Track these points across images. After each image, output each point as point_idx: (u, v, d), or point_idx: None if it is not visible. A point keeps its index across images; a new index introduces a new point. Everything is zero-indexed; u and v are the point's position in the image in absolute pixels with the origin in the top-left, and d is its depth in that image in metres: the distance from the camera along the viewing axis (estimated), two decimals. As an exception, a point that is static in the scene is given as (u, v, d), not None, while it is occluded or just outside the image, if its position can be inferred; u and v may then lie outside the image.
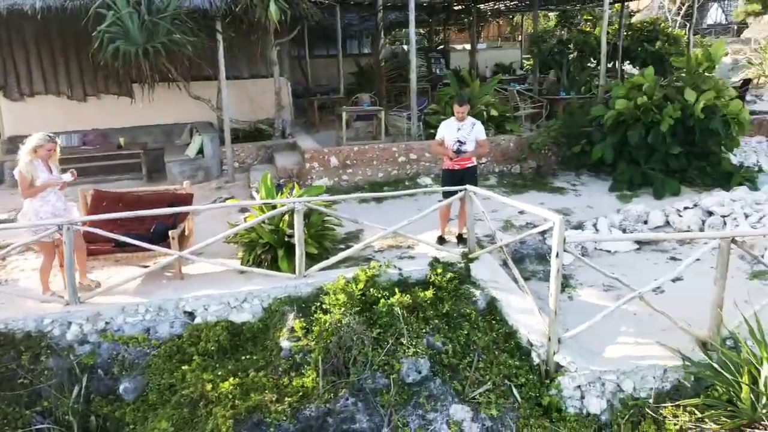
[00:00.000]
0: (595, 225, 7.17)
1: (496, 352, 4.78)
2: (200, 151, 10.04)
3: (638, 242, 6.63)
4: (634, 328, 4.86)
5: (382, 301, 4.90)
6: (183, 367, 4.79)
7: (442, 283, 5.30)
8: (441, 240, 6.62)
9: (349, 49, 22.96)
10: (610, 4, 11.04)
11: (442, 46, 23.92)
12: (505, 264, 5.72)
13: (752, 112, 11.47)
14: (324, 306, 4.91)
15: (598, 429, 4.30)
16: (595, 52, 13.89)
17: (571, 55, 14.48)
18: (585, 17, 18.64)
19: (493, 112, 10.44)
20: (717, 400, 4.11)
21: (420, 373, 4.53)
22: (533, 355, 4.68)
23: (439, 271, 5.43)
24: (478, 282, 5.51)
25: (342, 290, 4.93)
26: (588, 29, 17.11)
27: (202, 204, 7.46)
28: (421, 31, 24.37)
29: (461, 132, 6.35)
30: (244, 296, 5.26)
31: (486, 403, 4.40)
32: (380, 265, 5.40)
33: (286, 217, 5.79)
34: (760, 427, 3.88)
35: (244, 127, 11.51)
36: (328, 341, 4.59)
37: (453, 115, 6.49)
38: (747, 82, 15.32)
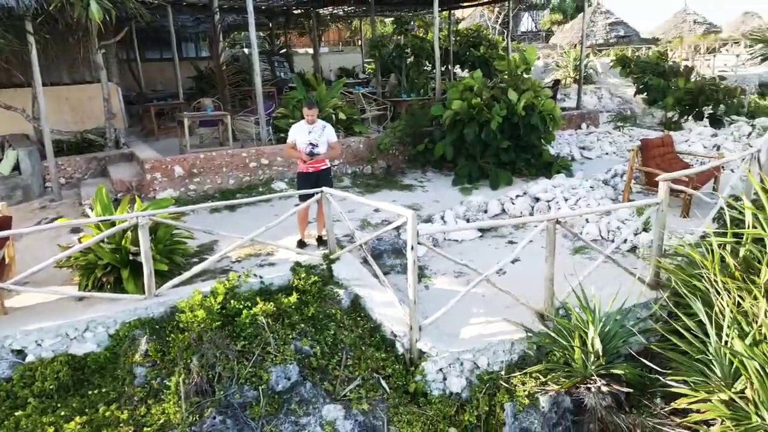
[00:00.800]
0: (442, 217, 7.67)
1: (363, 348, 4.90)
2: (16, 168, 8.81)
3: (481, 230, 7.24)
4: (484, 308, 5.30)
5: (245, 312, 4.75)
6: (16, 414, 4.17)
7: (306, 287, 5.28)
8: (301, 244, 6.60)
9: (186, 52, 21.79)
10: (439, 11, 11.83)
11: (284, 50, 23.76)
12: (365, 261, 5.88)
13: (563, 109, 13.15)
14: (181, 325, 4.62)
15: (460, 406, 4.61)
16: (430, 57, 14.86)
17: (409, 59, 15.30)
18: (418, 24, 19.79)
19: (342, 115, 10.64)
20: (556, 363, 4.65)
21: (289, 379, 4.47)
22: (398, 345, 4.88)
23: (302, 275, 5.41)
24: (341, 281, 5.59)
25: (200, 306, 4.68)
26: (422, 35, 18.20)
27: (23, 227, 6.55)
28: (261, 34, 23.95)
29: (312, 135, 6.39)
30: (85, 325, 4.74)
31: (357, 399, 4.49)
32: (239, 276, 5.22)
33: (129, 233, 5.33)
34: (591, 381, 4.47)
35: (69, 138, 10.35)
36: (189, 361, 4.33)
37: (302, 118, 6.50)
38: (557, 82, 17.50)
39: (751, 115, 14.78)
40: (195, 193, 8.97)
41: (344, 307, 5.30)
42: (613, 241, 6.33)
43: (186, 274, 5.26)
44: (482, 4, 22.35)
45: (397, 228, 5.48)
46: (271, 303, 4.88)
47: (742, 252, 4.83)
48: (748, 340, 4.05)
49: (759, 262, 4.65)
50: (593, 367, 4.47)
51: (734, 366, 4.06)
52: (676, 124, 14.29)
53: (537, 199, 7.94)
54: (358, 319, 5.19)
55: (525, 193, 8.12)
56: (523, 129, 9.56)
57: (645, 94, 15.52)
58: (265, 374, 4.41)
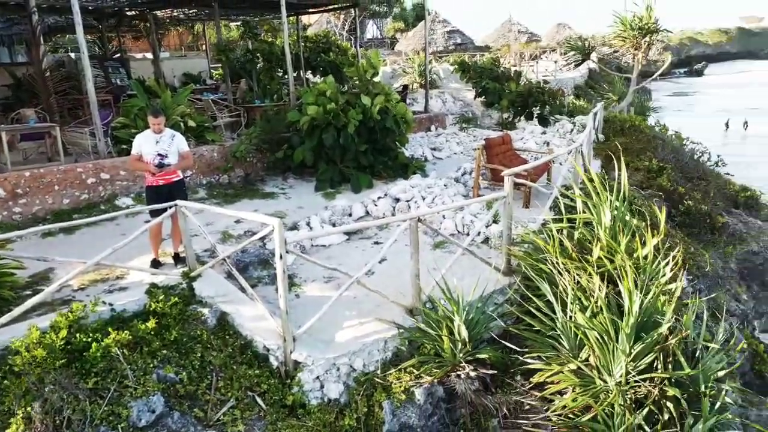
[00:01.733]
0: (308, 223, 7.60)
1: (235, 367, 4.66)
2: None
3: (347, 233, 7.31)
4: (356, 310, 5.34)
5: (94, 345, 4.25)
6: None
7: (165, 310, 4.88)
8: (156, 263, 6.09)
9: (-3, 56, 19.04)
10: (286, 16, 11.71)
11: (119, 55, 21.83)
12: (230, 276, 5.60)
13: (413, 113, 13.79)
14: (15, 368, 3.99)
15: (339, 411, 4.59)
16: (281, 62, 14.66)
17: (260, 65, 14.95)
18: (265, 28, 19.44)
19: (191, 123, 10.05)
20: (427, 356, 4.84)
21: (154, 412, 4.09)
22: (272, 359, 4.72)
23: (160, 297, 4.99)
24: (204, 300, 5.26)
25: (38, 344, 4.08)
26: (270, 40, 17.89)
27: None
28: (90, 37, 21.78)
29: (161, 144, 5.93)
30: None
31: (231, 422, 4.26)
32: (85, 305, 4.66)
33: (-62, 269, 4.49)
34: (460, 368, 4.73)
35: None
36: (28, 409, 3.76)
37: (147, 127, 6.00)
38: (405, 87, 18.31)
39: (571, 114, 16.82)
40: (21, 217, 7.86)
41: (210, 326, 5.00)
42: (468, 234, 6.76)
43: (17, 310, 4.55)
44: (328, 11, 22.64)
45: (262, 238, 5.30)
46: (126, 331, 4.43)
47: (576, 235, 5.45)
48: (588, 313, 4.58)
49: (590, 242, 5.29)
50: (461, 355, 4.73)
51: (579, 338, 4.55)
52: (511, 124, 15.74)
53: (397, 200, 8.22)
54: (227, 337, 4.92)
55: (386, 195, 8.36)
56: (380, 132, 9.84)
57: (483, 97, 16.87)
58: (124, 410, 3.98)
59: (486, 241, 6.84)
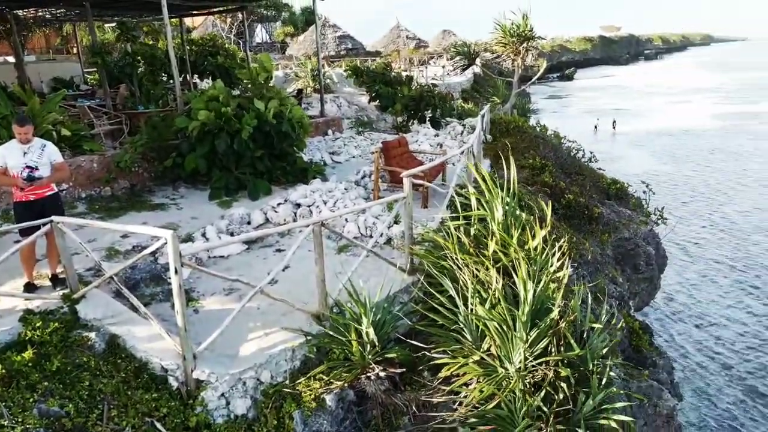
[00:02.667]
0: (204, 234, 7.25)
1: (129, 393, 4.31)
2: None
3: (247, 242, 7.06)
4: (261, 321, 5.17)
5: (-41, 384, 3.74)
6: None
7: (44, 337, 4.41)
8: (30, 287, 5.48)
9: None
10: (168, 18, 11.12)
11: (-27, 57, 19.50)
12: (119, 295, 5.18)
13: (310, 117, 13.68)
14: None
15: (248, 427, 4.42)
16: (165, 66, 13.90)
17: (141, 69, 14.06)
18: (145, 30, 18.33)
19: (65, 132, 9.20)
20: (337, 360, 4.80)
21: (37, 453, 3.68)
22: (171, 380, 4.44)
23: (37, 324, 4.50)
24: (90, 323, 4.82)
25: None
26: (151, 42, 16.89)
27: None
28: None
29: (29, 156, 5.36)
30: None
31: (130, 452, 3.94)
32: (-56, 340, 4.09)
33: None
34: (370, 370, 4.74)
35: None
36: None
37: (12, 137, 5.40)
38: (300, 92, 18.14)
39: (460, 116, 17.60)
40: None
41: (99, 351, 4.59)
42: (371, 236, 6.82)
43: None
44: (213, 13, 21.83)
45: (154, 252, 4.97)
46: (-2, 365, 3.95)
47: (472, 231, 5.69)
48: (487, 305, 4.79)
49: (486, 237, 5.55)
50: (370, 356, 4.75)
51: (480, 329, 4.75)
52: (406, 127, 16.15)
53: (298, 205, 8.09)
54: (119, 361, 4.55)
55: (286, 201, 8.20)
56: (276, 137, 9.63)
57: (378, 101, 17.15)
58: (0, 456, 3.54)
59: (389, 241, 6.94)
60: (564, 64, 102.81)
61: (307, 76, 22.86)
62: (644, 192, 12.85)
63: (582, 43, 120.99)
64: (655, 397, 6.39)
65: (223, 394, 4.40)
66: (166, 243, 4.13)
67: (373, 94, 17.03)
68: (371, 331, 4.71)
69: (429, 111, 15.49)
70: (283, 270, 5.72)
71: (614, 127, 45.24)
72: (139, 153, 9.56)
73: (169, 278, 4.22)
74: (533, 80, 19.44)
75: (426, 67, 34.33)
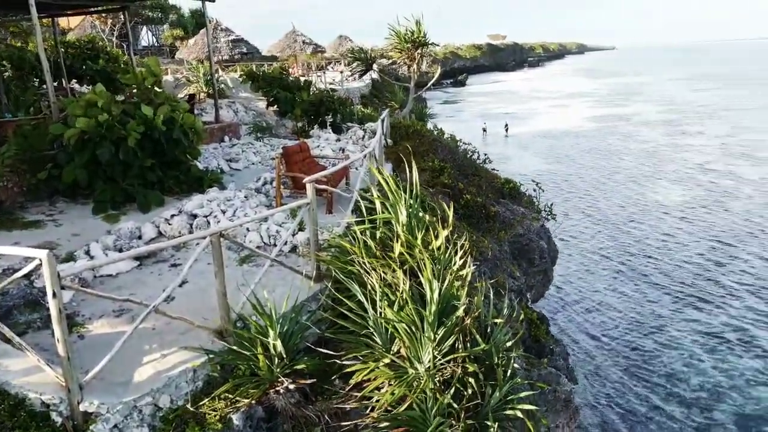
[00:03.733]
0: (88, 252, 6.64)
1: (3, 436, 3.81)
2: None
3: (138, 258, 6.55)
4: (158, 342, 4.81)
5: None
6: None
7: None
8: None
9: None
10: (37, 17, 10.09)
11: None
12: (-15, 326, 4.57)
13: (204, 123, 13.08)
14: None
15: (147, 458, 4.08)
16: (37, 70, 12.65)
17: (8, 73, 12.69)
18: (11, 30, 16.61)
19: None
20: (243, 377, 4.57)
21: None
22: (54, 415, 3.98)
23: None
24: (-50, 361, 4.21)
25: None
26: (20, 44, 15.32)
27: None
28: None
29: None
30: None
31: (6, 504, 3.47)
32: None
33: None
34: (278, 384, 4.57)
35: None
36: None
37: None
38: (192, 97, 17.31)
39: (361, 121, 17.71)
40: None
41: (-37, 392, 4.02)
42: (275, 245, 6.61)
43: None
44: (90, 13, 20.27)
45: (28, 275, 4.44)
46: None
47: (378, 234, 5.69)
48: (395, 307, 4.81)
49: (391, 240, 5.57)
50: (279, 370, 4.57)
51: (390, 332, 4.76)
52: (306, 132, 15.95)
53: (194, 216, 7.66)
54: (-11, 401, 4.01)
55: (180, 212, 7.73)
56: (167, 145, 9.07)
57: (276, 106, 16.81)
58: None
59: (294, 249, 6.76)
60: (456, 71, 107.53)
61: (200, 81, 21.91)
62: (534, 190, 13.68)
63: (472, 50, 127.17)
64: (554, 383, 6.76)
65: (116, 426, 4.02)
66: (41, 264, 3.70)
67: (271, 99, 16.67)
68: (278, 343, 4.54)
69: (329, 116, 15.44)
70: (180, 286, 5.38)
71: (506, 130, 47.98)
72: (8, 166, 8.58)
73: (48, 303, 3.78)
74: (429, 86, 20.05)
75: (324, 73, 34.27)
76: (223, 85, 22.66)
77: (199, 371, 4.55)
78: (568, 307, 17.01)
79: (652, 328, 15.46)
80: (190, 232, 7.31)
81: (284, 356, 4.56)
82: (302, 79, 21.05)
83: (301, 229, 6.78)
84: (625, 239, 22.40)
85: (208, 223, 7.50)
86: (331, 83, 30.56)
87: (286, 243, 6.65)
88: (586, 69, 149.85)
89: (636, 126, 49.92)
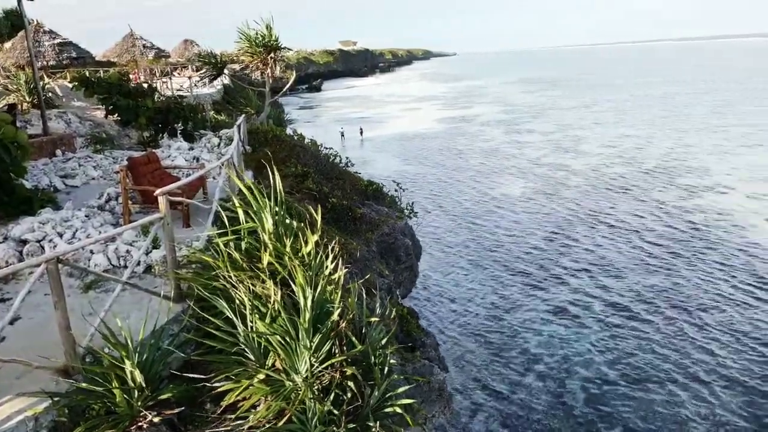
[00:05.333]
0: None
1: None
2: None
3: (-49, 297, 5.54)
4: (-15, 392, 4.09)
5: None
6: None
7: None
8: None
9: None
10: None
11: None
12: None
13: (29, 137, 11.51)
14: None
15: None
16: None
17: None
18: None
19: None
20: (97, 418, 4.06)
21: None
22: None
23: None
24: None
25: None
26: None
27: None
28: None
29: None
30: None
31: None
32: None
33: None
34: (141, 418, 4.13)
35: None
36: None
37: None
38: (12, 107, 15.19)
39: (214, 128, 16.90)
40: None
41: None
42: (126, 266, 6.00)
43: None
44: None
45: None
46: None
47: (243, 245, 5.42)
48: (267, 319, 4.60)
49: (258, 250, 5.34)
50: (140, 403, 4.14)
51: (263, 346, 4.54)
52: (155, 142, 14.81)
53: (24, 242, 6.68)
54: None
55: (5, 239, 6.69)
56: (-18, 162, 7.82)
57: (116, 115, 15.37)
58: None
59: (149, 269, 6.19)
60: (311, 76, 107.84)
61: (22, 90, 19.34)
62: (396, 190, 14.12)
63: (325, 56, 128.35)
64: (427, 374, 7.01)
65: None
66: None
67: (111, 108, 15.19)
68: (137, 373, 4.11)
69: (180, 124, 14.49)
70: (12, 323, 4.64)
71: (361, 134, 49.15)
72: None
73: None
74: (284, 90, 19.76)
75: (170, 78, 32.19)
76: (50, 94, 20.23)
77: (42, 418, 3.96)
78: (434, 299, 17.84)
79: (508, 311, 16.80)
80: (21, 260, 6.36)
81: (145, 387, 4.14)
82: (145, 85, 19.52)
83: (155, 246, 6.24)
84: (479, 231, 24.12)
85: (42, 248, 6.59)
86: (179, 89, 28.80)
87: (139, 263, 6.07)
88: (432, 74, 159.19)
89: (480, 126, 54.09)
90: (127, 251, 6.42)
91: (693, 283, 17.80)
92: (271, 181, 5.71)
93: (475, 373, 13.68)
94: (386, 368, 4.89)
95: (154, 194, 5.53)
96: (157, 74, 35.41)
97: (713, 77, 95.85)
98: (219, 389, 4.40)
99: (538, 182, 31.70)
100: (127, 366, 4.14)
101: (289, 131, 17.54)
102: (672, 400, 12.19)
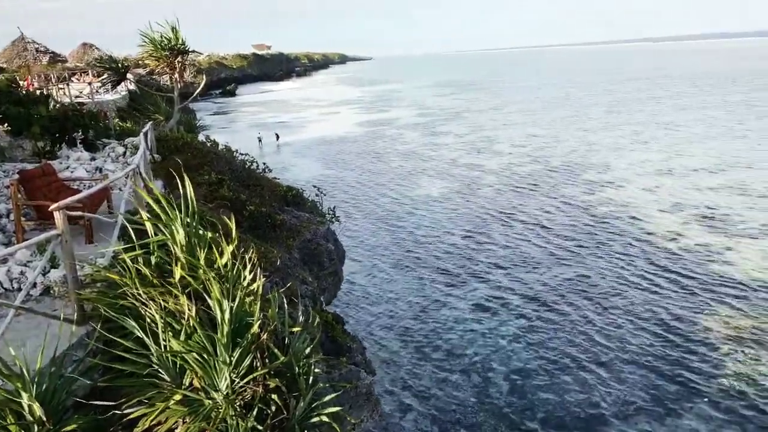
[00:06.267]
0: None
1: None
2: None
3: None
4: None
5: None
6: None
7: None
8: None
9: None
10: None
11: None
12: None
13: None
14: None
15: None
16: None
17: None
18: None
19: None
20: (-8, 458, 3.68)
21: None
22: None
23: None
24: None
25: None
26: None
27: None
28: None
29: None
30: None
31: None
32: None
33: None
34: (44, 453, 3.79)
35: None
36: None
37: None
38: None
39: (119, 136, 15.93)
40: None
41: None
42: (20, 289, 5.49)
43: None
44: None
45: None
46: None
47: (153, 260, 5.12)
48: (182, 337, 4.37)
49: (170, 264, 5.07)
50: (42, 438, 3.79)
51: (179, 365, 4.31)
52: (51, 153, 13.71)
53: None
54: None
55: None
56: None
57: (6, 125, 14.10)
58: None
59: (48, 291, 5.70)
60: (225, 81, 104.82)
61: None
62: (317, 195, 13.99)
63: (238, 60, 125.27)
64: (354, 379, 6.97)
65: None
66: None
67: (-1, 117, 13.92)
68: (36, 406, 3.76)
69: (80, 132, 13.52)
70: None
71: (277, 139, 48.39)
72: None
73: None
74: (195, 95, 19.01)
75: (68, 84, 30.04)
76: (-74, 101, 18.17)
77: None
78: (359, 302, 17.85)
79: (431, 309, 17.14)
80: None
81: (45, 421, 3.80)
82: (38, 92, 18.08)
83: (54, 266, 5.76)
84: (400, 232, 24.45)
85: None
86: (77, 96, 26.93)
87: (35, 285, 5.58)
88: (350, 78, 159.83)
89: (397, 129, 54.94)
90: (22, 272, 5.88)
91: (597, 272, 19.03)
92: (182, 190, 5.45)
93: (402, 373, 13.82)
94: (311, 377, 4.80)
95: (50, 209, 5.09)
96: (53, 80, 32.94)
97: (611, 79, 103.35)
98: (131, 415, 4.13)
99: (455, 182, 32.65)
100: (24, 399, 3.78)
101: (201, 137, 16.89)
102: (585, 383, 12.94)
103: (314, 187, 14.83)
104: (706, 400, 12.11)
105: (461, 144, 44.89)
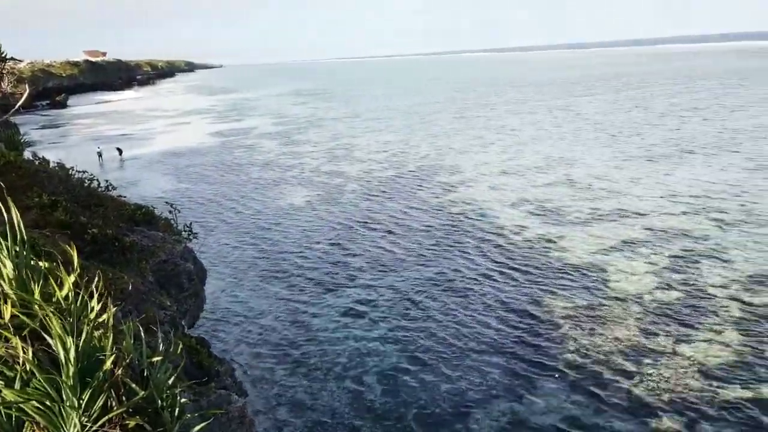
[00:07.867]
0: None
1: None
2: None
3: None
4: None
5: None
6: None
7: None
8: None
9: None
10: None
11: None
12: None
13: None
14: None
15: None
16: None
17: None
18: None
19: None
20: None
21: None
22: None
23: None
24: None
25: None
26: None
27: None
28: None
29: None
30: None
31: None
32: None
33: None
34: None
35: None
36: None
37: None
38: None
39: None
40: None
41: None
42: None
43: None
44: None
45: None
46: None
47: (-27, 300, 4.41)
48: (17, 385, 3.81)
49: (-5, 303, 4.40)
50: None
51: (15, 418, 3.75)
52: None
53: None
54: None
55: None
56: None
57: None
58: None
59: None
60: (52, 91, 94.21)
61: None
62: (170, 212, 13.10)
63: (68, 68, 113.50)
64: (224, 404, 6.61)
65: None
66: None
67: None
68: None
69: None
70: None
71: (120, 153, 44.60)
72: None
73: None
74: (17, 107, 16.78)
75: None
76: None
77: None
78: (225, 322, 17.05)
79: (301, 320, 16.95)
80: None
81: None
82: None
83: None
84: (266, 244, 23.87)
85: None
86: None
87: None
88: (199, 86, 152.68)
89: (255, 138, 53.66)
90: None
91: (455, 268, 20.31)
92: (6, 217, 4.75)
93: (276, 389, 13.46)
94: (177, 409, 4.46)
95: None
96: None
97: (456, 87, 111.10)
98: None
99: (318, 190, 32.73)
100: None
101: (27, 155, 14.94)
102: (452, 375, 13.70)
103: (167, 203, 13.86)
104: (555, 375, 13.49)
105: (322, 152, 45.14)
